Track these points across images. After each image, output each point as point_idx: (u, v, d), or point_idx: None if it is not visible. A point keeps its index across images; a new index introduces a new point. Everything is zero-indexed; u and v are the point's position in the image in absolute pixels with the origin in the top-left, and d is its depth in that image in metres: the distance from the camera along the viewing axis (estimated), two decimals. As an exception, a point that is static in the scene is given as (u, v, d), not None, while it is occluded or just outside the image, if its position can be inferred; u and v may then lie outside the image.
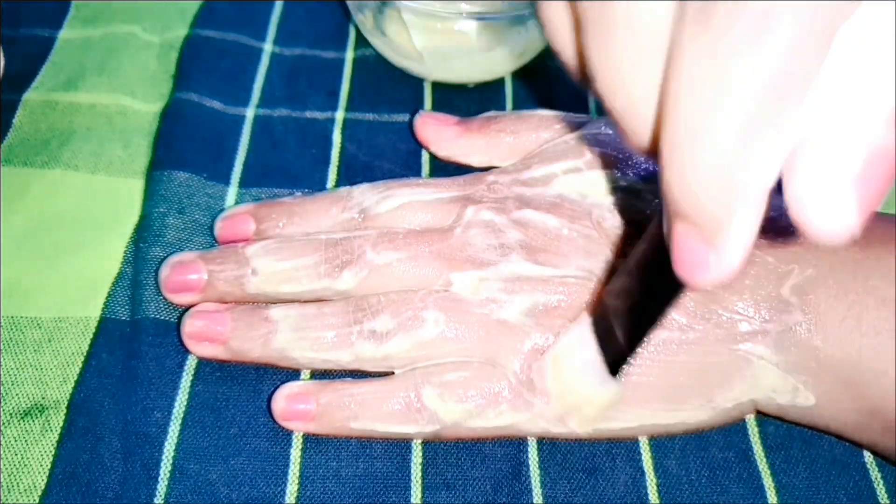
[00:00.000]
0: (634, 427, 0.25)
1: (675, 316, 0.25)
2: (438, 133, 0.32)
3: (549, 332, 0.25)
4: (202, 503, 0.24)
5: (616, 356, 0.23)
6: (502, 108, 0.36)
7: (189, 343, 0.27)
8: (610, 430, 0.25)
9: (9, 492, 0.24)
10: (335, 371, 0.27)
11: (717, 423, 0.26)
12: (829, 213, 0.14)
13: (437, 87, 0.37)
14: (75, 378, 0.26)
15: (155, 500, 0.24)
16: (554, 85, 0.37)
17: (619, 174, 0.28)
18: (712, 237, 0.15)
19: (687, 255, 0.16)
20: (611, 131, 0.29)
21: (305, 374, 0.27)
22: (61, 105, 0.34)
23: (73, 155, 0.32)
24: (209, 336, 0.26)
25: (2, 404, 0.26)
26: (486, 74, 0.37)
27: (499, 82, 0.37)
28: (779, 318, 0.24)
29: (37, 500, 0.24)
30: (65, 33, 0.37)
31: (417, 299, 0.26)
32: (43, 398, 0.26)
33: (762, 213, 0.15)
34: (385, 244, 0.27)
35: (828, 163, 0.14)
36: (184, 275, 0.27)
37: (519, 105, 0.36)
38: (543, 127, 0.30)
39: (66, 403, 0.26)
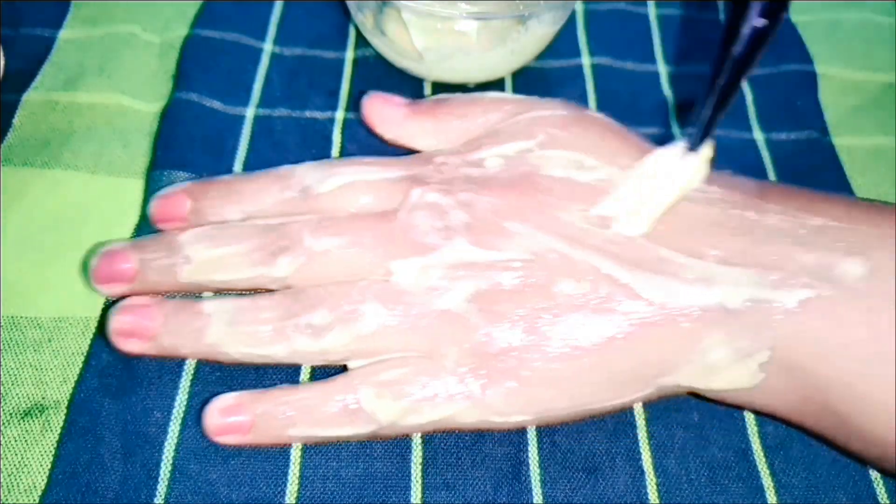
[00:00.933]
0: (570, 414, 0.25)
1: (628, 302, 0.24)
2: (385, 114, 0.30)
3: (491, 317, 0.24)
4: (202, 503, 0.24)
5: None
6: (502, 108, 0.36)
7: (116, 340, 0.25)
8: (547, 419, 0.25)
9: (9, 492, 0.24)
10: (335, 368, 0.26)
11: (653, 400, 0.25)
12: None
13: (437, 87, 0.37)
14: (75, 378, 0.26)
15: (155, 500, 0.24)
16: (554, 85, 0.37)
17: (568, 154, 0.27)
18: None
19: None
20: (564, 112, 0.28)
21: (306, 370, 0.27)
22: (61, 105, 0.34)
23: (73, 155, 0.32)
24: (137, 332, 0.25)
25: (2, 404, 0.26)
26: (486, 74, 0.37)
27: (499, 82, 0.37)
28: (733, 301, 0.23)
29: (37, 500, 0.24)
30: (65, 33, 0.37)
31: (356, 292, 0.25)
32: (43, 398, 0.26)
33: None
34: (324, 230, 0.26)
35: None
36: (113, 264, 0.26)
37: (519, 105, 0.36)
38: (493, 109, 0.29)
39: (66, 403, 0.26)
